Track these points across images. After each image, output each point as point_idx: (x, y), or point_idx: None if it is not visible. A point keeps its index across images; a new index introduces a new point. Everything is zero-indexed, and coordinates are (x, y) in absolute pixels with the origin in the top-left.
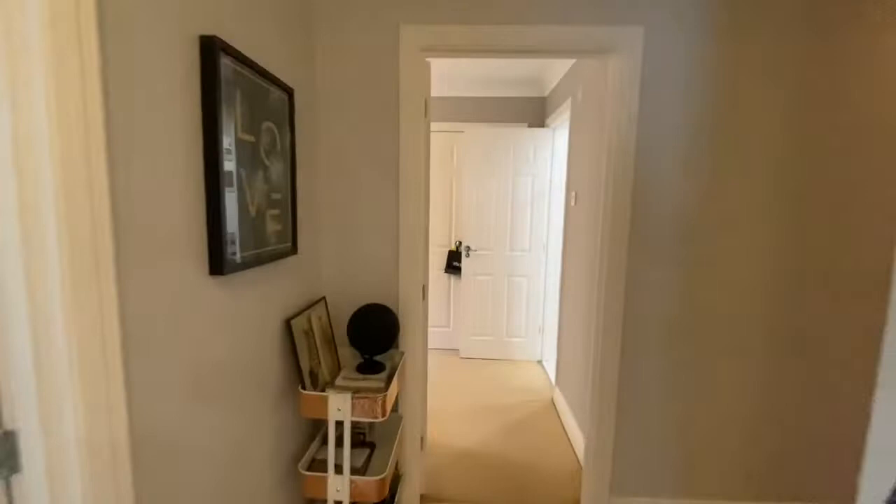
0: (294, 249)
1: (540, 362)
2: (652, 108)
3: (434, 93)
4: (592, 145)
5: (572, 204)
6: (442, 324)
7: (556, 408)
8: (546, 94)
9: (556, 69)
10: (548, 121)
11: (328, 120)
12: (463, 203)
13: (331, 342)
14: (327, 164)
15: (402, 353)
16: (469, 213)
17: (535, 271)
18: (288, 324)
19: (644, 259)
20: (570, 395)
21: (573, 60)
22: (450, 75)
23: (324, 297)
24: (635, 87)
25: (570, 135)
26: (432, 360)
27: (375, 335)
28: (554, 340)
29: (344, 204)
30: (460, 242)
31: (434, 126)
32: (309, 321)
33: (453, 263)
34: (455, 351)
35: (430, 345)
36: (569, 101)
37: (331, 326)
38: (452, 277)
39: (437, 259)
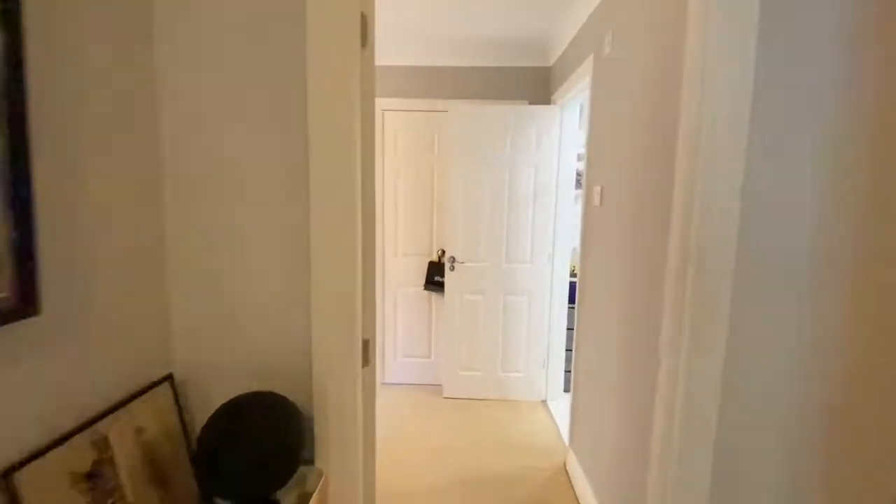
0: (27, 307)
1: (544, 403)
2: (782, 27)
3: (408, 61)
4: (636, 113)
5: (596, 203)
6: (421, 354)
7: (570, 481)
8: (551, 62)
9: (567, 25)
10: (554, 96)
11: (175, 39)
12: (447, 202)
13: (175, 462)
14: (172, 125)
15: (322, 474)
16: (455, 215)
17: (538, 288)
18: (7, 481)
19: (762, 295)
20: (593, 468)
21: (589, 11)
22: (426, 38)
23: (170, 376)
24: None
25: (591, 106)
26: (408, 398)
27: (250, 468)
28: (562, 375)
29: (207, 202)
30: (443, 252)
31: (409, 104)
32: (103, 446)
33: (435, 278)
34: (437, 387)
35: (407, 380)
36: (588, 62)
37: (184, 427)
38: (434, 296)
39: (418, 272)
